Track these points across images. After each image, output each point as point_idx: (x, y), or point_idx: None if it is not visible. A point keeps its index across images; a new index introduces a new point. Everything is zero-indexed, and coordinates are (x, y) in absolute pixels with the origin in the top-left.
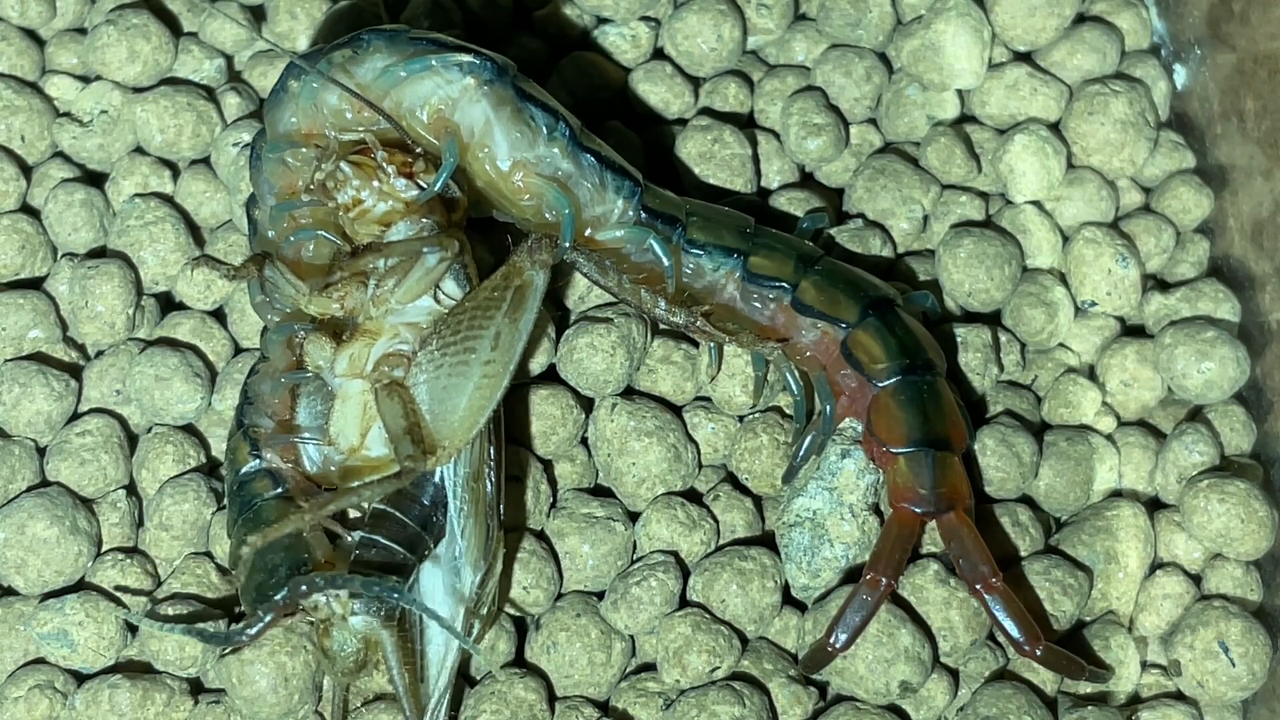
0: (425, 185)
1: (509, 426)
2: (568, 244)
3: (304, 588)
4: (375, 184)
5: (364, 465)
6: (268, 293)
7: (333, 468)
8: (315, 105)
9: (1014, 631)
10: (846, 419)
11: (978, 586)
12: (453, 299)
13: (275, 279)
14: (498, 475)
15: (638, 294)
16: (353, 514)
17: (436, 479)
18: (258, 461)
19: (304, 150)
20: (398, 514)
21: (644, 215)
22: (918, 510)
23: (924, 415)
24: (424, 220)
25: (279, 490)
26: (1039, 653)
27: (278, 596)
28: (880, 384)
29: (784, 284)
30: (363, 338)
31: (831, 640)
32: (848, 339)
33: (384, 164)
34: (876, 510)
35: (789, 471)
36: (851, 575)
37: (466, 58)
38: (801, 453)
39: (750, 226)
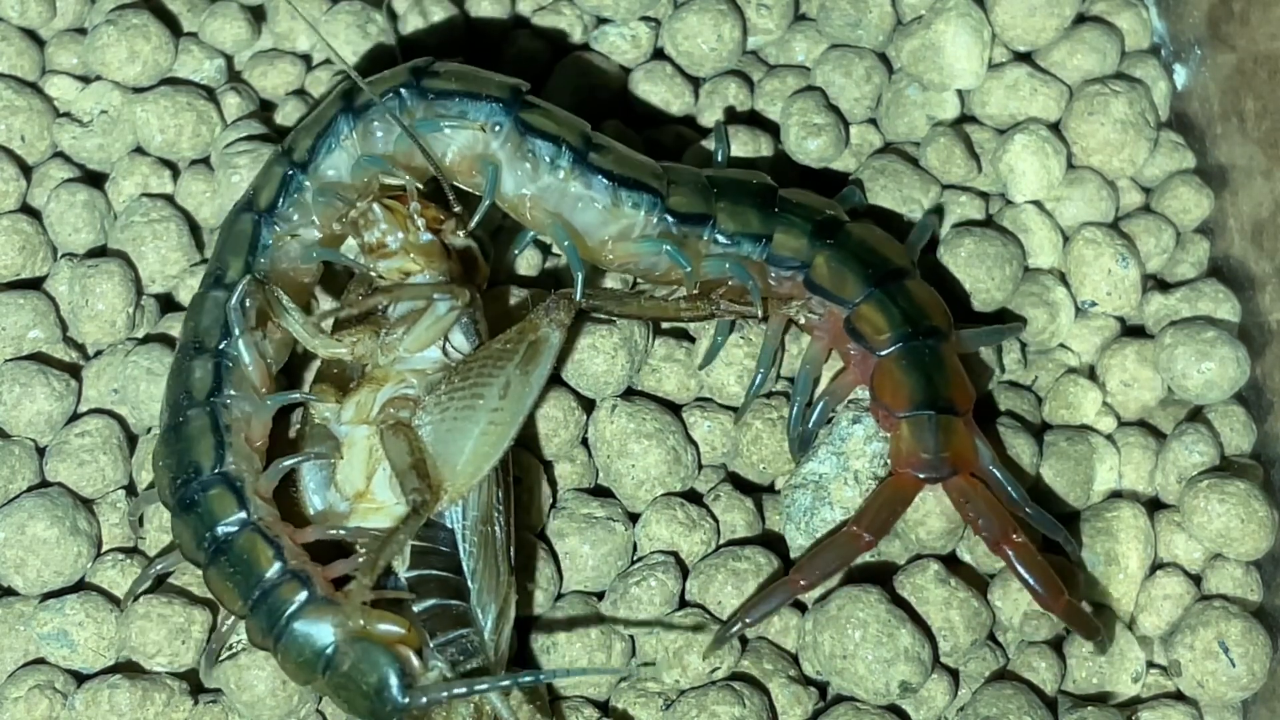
0: (450, 245)
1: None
2: (580, 298)
3: (422, 700)
4: (400, 234)
5: (369, 509)
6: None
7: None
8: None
9: (1037, 585)
10: (857, 386)
11: (999, 543)
12: (460, 352)
13: (283, 315)
14: (506, 520)
15: (659, 308)
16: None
17: (447, 524)
18: (280, 563)
19: (349, 194)
20: (433, 572)
21: (670, 221)
22: (921, 476)
23: (927, 379)
24: (441, 278)
25: (306, 596)
26: (1061, 607)
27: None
28: (882, 352)
29: (799, 263)
30: (369, 385)
31: (797, 577)
32: (851, 315)
33: (415, 215)
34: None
35: (797, 441)
36: None
37: (471, 114)
38: (813, 422)
39: (775, 202)
